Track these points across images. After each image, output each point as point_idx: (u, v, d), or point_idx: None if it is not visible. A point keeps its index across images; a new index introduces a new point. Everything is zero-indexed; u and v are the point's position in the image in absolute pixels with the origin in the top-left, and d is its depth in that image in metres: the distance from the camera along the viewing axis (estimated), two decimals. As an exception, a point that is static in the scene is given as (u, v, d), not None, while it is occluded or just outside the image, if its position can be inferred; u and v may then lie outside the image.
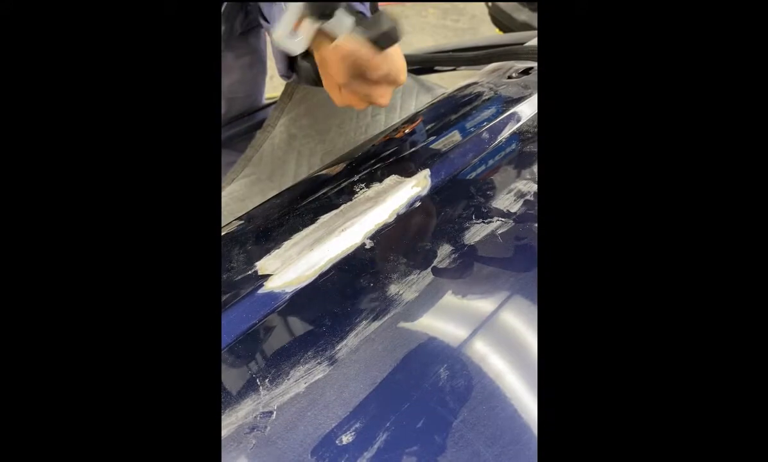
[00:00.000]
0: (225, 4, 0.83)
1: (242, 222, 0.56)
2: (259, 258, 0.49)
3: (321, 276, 0.47)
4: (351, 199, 0.54)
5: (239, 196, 0.88)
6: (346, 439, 0.34)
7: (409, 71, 1.10)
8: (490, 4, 2.13)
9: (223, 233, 0.55)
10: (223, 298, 0.45)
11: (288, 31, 0.54)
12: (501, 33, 2.12)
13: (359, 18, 0.55)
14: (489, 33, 2.60)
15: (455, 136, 0.63)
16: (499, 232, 0.48)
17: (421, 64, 1.14)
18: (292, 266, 0.47)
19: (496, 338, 0.40)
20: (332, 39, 0.54)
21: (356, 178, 0.57)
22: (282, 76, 0.70)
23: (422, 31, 3.18)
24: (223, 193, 0.87)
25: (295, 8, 0.53)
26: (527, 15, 1.96)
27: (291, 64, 0.67)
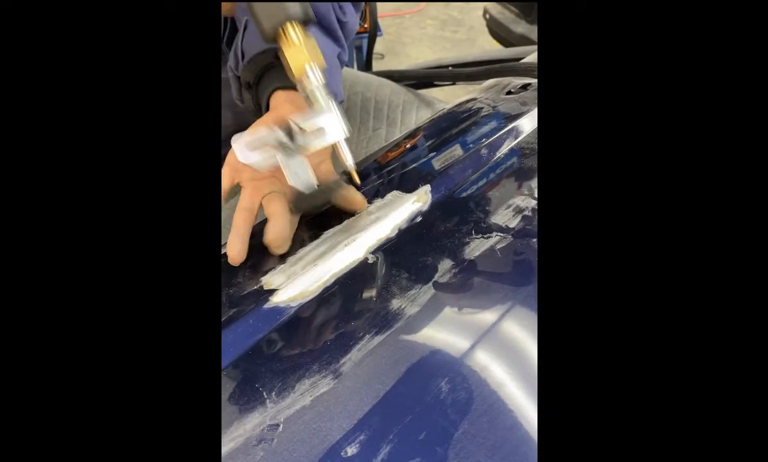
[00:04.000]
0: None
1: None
2: (264, 273, 0.50)
3: (325, 290, 0.48)
4: (353, 214, 0.56)
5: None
6: (351, 450, 0.35)
7: (409, 86, 1.12)
8: (487, 16, 2.15)
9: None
10: (230, 312, 0.46)
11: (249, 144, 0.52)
12: (498, 44, 2.14)
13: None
14: (487, 44, 2.62)
15: (455, 151, 0.64)
16: (499, 247, 0.50)
17: (420, 80, 1.16)
18: (297, 281, 0.49)
19: (495, 351, 0.41)
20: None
21: (358, 193, 0.58)
22: (235, 98, 0.73)
23: (420, 42, 3.21)
24: (226, 205, 0.89)
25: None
26: (525, 27, 1.98)
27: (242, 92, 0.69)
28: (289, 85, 0.61)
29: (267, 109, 0.63)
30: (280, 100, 0.62)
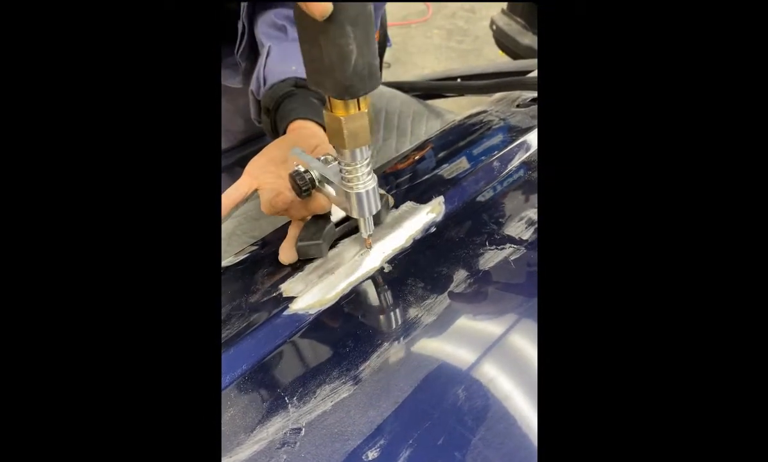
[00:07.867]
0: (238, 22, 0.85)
1: (263, 245, 0.58)
2: (283, 281, 0.52)
3: (342, 298, 0.49)
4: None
5: (253, 215, 0.91)
6: (372, 454, 0.36)
7: (418, 96, 1.13)
8: (494, 27, 2.17)
9: (245, 256, 0.57)
10: (251, 317, 0.48)
11: None
12: (503, 54, 2.16)
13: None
14: (493, 54, 2.64)
15: (467, 163, 0.66)
16: (512, 258, 0.51)
17: (429, 91, 1.17)
18: (314, 289, 0.50)
19: (510, 359, 0.42)
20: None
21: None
22: (253, 119, 0.74)
23: (426, 52, 3.23)
24: (237, 213, 0.90)
25: None
26: (531, 39, 1.99)
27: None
28: (306, 116, 0.64)
29: (284, 133, 0.65)
30: (298, 128, 0.63)
